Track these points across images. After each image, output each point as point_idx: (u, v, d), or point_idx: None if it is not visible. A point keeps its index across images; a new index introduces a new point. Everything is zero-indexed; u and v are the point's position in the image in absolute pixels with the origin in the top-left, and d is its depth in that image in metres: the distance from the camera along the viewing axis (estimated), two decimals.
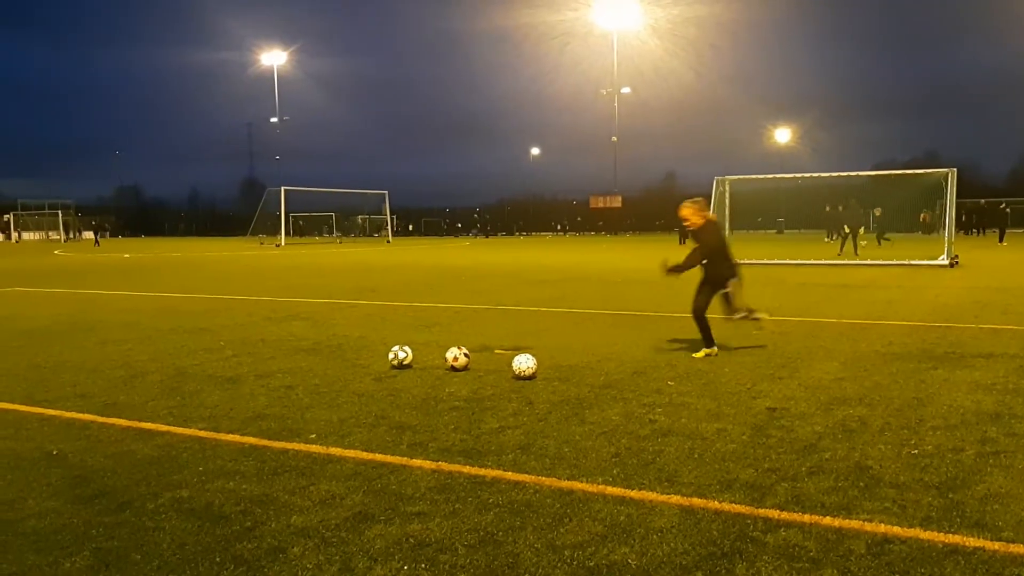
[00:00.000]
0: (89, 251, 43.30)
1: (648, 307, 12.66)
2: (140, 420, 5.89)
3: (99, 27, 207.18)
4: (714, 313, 8.37)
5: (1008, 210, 45.26)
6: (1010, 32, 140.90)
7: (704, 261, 8.45)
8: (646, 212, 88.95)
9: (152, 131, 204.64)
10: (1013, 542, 3.59)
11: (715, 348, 8.32)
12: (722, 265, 8.51)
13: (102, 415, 6.05)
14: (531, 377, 7.10)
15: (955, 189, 22.97)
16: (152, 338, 9.87)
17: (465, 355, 7.54)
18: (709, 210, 8.76)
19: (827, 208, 38.12)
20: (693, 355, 8.24)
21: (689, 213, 8.45)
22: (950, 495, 4.17)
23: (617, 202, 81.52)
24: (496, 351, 8.57)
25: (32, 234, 78.10)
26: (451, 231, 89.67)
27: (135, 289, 17.53)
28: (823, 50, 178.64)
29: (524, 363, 7.16)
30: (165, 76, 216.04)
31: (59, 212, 78.36)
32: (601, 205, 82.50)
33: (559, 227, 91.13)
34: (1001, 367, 7.42)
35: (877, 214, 39.25)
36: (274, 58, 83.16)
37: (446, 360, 7.54)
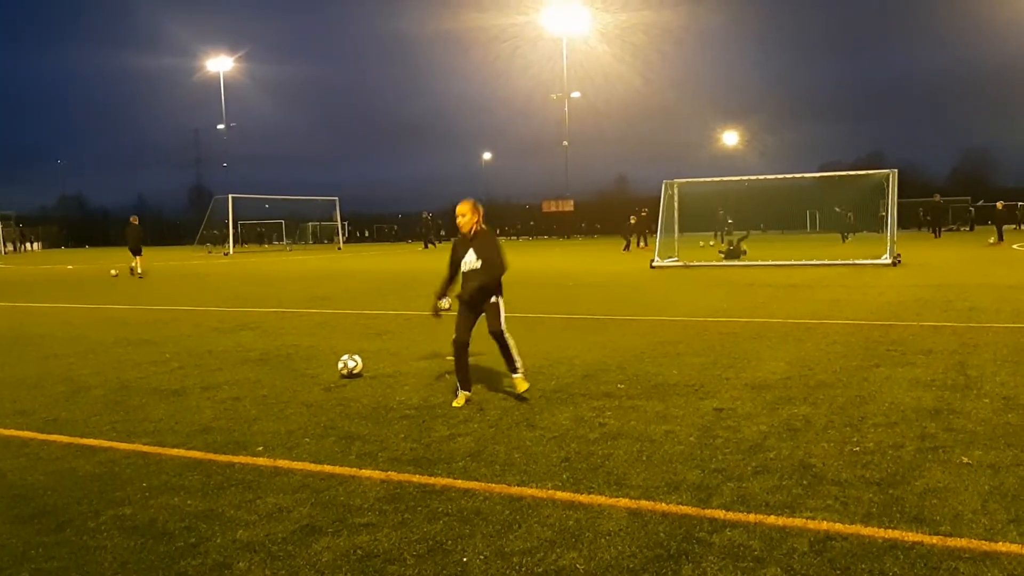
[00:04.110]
0: (32, 263, 42.26)
1: (599, 310, 12.74)
2: (82, 436, 5.77)
3: (39, 31, 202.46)
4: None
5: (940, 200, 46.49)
6: (951, 35, 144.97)
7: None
8: (598, 216, 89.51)
9: (96, 138, 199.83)
10: (951, 536, 3.67)
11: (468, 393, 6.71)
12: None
13: (43, 432, 5.91)
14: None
15: (896, 189, 23.51)
16: (96, 351, 9.67)
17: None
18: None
19: (836, 209, 40.79)
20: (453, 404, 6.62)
21: (468, 210, 6.64)
22: (890, 491, 4.26)
23: (569, 206, 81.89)
24: (448, 358, 8.55)
25: None
26: (403, 236, 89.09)
27: (79, 301, 17.15)
28: (768, 54, 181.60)
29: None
30: (109, 82, 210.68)
31: None
32: (554, 209, 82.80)
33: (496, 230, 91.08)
34: (940, 364, 7.61)
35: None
36: (220, 64, 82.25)
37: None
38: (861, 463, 4.73)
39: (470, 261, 6.61)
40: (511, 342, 6.66)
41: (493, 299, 6.64)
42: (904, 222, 39.19)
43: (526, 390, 6.68)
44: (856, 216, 46.89)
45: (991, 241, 34.09)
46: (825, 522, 3.86)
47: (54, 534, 3.97)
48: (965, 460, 4.73)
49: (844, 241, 37.95)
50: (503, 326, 6.59)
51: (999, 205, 37.06)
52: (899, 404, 6.10)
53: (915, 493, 4.22)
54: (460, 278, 6.68)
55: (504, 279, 6.62)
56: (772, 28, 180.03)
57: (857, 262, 21.63)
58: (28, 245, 70.29)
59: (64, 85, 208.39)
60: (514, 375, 6.73)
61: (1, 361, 9.15)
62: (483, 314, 6.62)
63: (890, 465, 4.68)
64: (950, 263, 22.62)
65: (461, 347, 6.63)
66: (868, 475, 4.52)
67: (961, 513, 3.93)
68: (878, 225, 47.32)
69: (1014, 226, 51.82)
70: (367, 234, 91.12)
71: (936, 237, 42.90)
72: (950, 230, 56.23)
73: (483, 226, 6.73)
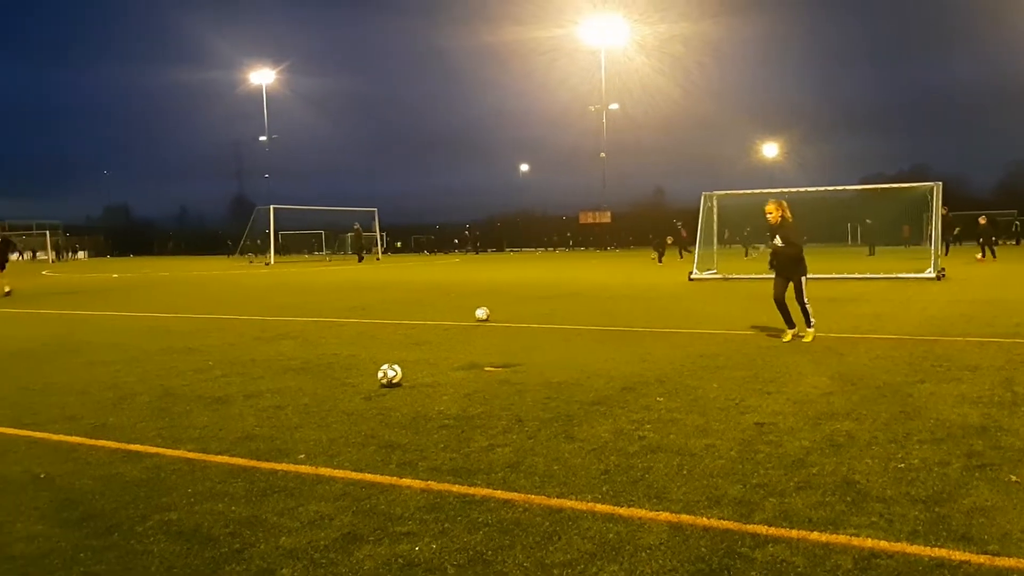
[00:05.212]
0: (78, 271, 43.12)
1: (637, 323, 12.69)
2: (128, 442, 5.87)
3: (86, 46, 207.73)
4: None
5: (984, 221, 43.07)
6: (995, 46, 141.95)
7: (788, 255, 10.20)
8: (635, 227, 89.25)
9: (141, 150, 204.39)
10: (999, 555, 3.61)
11: (794, 329, 10.19)
12: (801, 260, 10.31)
13: (90, 437, 6.04)
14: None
15: (940, 203, 23.16)
16: (141, 359, 9.84)
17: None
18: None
19: (868, 221, 40.86)
20: (782, 339, 10.09)
21: (774, 209, 10.22)
22: (936, 509, 4.19)
23: (606, 217, 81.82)
24: (486, 368, 8.59)
25: (18, 255, 77.71)
26: (441, 247, 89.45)
27: (124, 309, 17.47)
28: (809, 65, 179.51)
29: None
30: (153, 95, 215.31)
31: (47, 232, 78.04)
32: (591, 220, 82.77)
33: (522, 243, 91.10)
34: (987, 380, 7.47)
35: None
36: (262, 76, 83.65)
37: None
38: (906, 480, 4.66)
39: (777, 242, 10.20)
40: (809, 308, 10.09)
41: (800, 277, 10.11)
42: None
43: (811, 339, 9.92)
44: (913, 230, 46.15)
45: (978, 257, 31.93)
46: (870, 539, 3.81)
47: (102, 538, 4.05)
48: (1013, 479, 4.65)
49: (871, 254, 37.43)
50: (805, 297, 10.09)
51: (981, 220, 34.54)
52: (945, 420, 6.00)
53: (962, 511, 4.15)
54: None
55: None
56: (813, 39, 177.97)
57: (900, 276, 21.31)
58: (69, 253, 72.03)
59: (110, 99, 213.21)
60: (808, 328, 10.08)
61: (49, 368, 9.35)
62: (790, 281, 10.12)
63: (936, 482, 4.61)
64: (995, 278, 22.21)
65: (777, 302, 10.17)
66: (913, 492, 4.46)
67: (1009, 532, 3.86)
68: (923, 239, 46.39)
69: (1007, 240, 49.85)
70: (399, 245, 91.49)
71: (944, 255, 40.21)
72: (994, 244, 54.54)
73: (788, 217, 10.21)
